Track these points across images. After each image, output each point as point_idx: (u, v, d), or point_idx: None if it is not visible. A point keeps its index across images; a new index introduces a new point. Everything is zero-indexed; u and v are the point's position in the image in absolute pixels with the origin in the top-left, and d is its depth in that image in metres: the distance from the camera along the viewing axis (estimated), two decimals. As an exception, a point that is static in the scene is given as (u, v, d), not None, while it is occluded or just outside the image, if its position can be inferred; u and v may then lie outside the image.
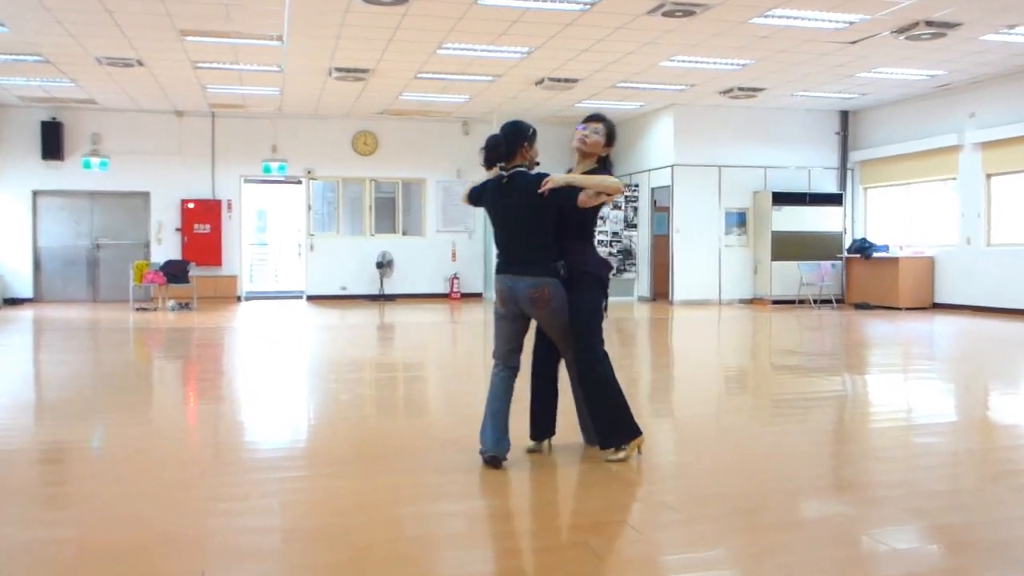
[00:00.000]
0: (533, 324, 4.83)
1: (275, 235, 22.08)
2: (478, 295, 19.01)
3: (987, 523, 3.82)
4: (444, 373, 8.75)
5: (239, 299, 18.10)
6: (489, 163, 4.79)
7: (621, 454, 4.62)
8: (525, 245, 4.68)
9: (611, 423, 4.63)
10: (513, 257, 4.71)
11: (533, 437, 4.90)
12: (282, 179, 18.72)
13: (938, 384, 7.95)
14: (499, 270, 4.79)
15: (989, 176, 14.87)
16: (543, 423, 4.89)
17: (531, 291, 4.60)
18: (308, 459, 5.03)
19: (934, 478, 4.60)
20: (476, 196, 4.98)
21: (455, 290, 18.73)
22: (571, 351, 4.73)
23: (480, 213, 19.02)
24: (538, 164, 4.91)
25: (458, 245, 19.03)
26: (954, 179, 15.49)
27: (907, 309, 15.57)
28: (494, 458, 4.51)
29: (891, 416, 6.15)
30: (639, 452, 4.71)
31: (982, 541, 3.57)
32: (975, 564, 3.29)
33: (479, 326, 13.67)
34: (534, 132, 4.88)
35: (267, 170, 18.23)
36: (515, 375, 4.77)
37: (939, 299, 15.71)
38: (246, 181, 18.42)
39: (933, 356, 10.29)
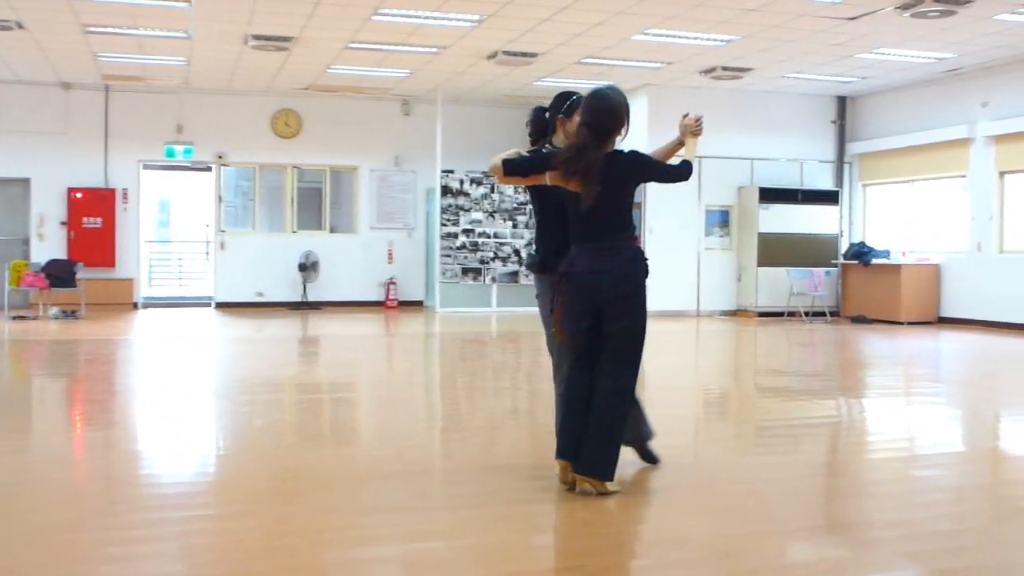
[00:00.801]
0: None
1: (179, 231, 21.87)
2: (418, 303, 18.99)
3: (994, 567, 3.91)
4: (377, 395, 8.74)
5: (135, 306, 17.90)
6: (533, 141, 5.19)
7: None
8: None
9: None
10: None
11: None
12: (188, 165, 18.56)
13: (943, 410, 8.11)
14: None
15: (1002, 174, 15.21)
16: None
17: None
18: (214, 495, 5.00)
19: (936, 516, 4.69)
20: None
21: (391, 297, 18.70)
22: None
23: (421, 208, 19.03)
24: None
25: (396, 245, 19.02)
26: (964, 176, 15.81)
27: (909, 324, 15.85)
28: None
29: (889, 446, 6.26)
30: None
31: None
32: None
33: (419, 340, 13.67)
34: (576, 100, 5.11)
35: (170, 154, 18.05)
36: None
37: (945, 312, 16.02)
38: (145, 167, 18.23)
39: (938, 378, 10.49)
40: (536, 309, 5.60)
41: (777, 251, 17.24)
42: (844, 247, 17.81)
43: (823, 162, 18.12)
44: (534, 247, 5.43)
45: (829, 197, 17.78)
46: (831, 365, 11.39)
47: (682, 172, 5.05)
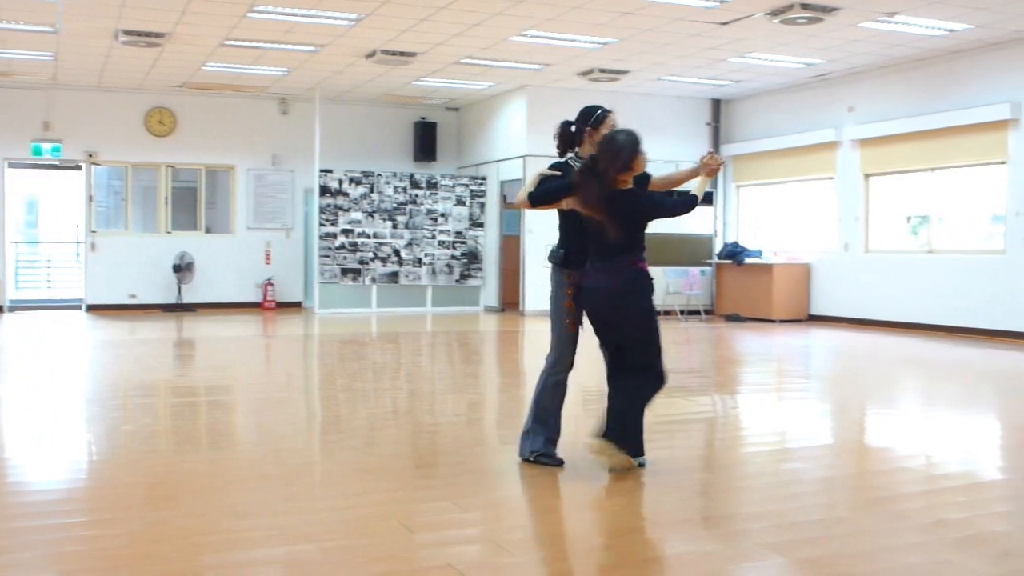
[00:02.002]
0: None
1: (48, 232, 21.13)
2: (297, 304, 18.72)
3: (853, 555, 4.02)
4: (253, 398, 8.56)
5: (1, 309, 17.23)
6: (561, 152, 5.54)
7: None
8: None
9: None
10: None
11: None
12: (57, 163, 17.93)
13: (812, 405, 8.34)
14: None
15: (867, 176, 15.72)
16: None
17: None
18: (82, 503, 4.83)
19: (802, 507, 4.81)
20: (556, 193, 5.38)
21: (269, 298, 18.38)
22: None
23: (299, 208, 18.77)
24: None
25: (274, 245, 18.70)
26: (832, 178, 16.30)
27: (781, 321, 16.27)
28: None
29: (761, 440, 6.40)
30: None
31: (849, 575, 3.76)
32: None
33: (297, 341, 13.47)
34: (600, 115, 5.51)
35: (37, 152, 17.42)
36: None
37: (815, 310, 16.50)
38: (11, 165, 17.55)
39: (808, 374, 10.79)
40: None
41: (653, 251, 17.14)
42: (718, 247, 18.19)
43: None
44: (558, 243, 5.68)
45: (704, 198, 18.07)
46: (706, 363, 11.60)
47: (687, 207, 5.59)
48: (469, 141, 19.44)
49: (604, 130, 5.42)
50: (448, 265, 18.30)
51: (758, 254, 17.25)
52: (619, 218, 5.23)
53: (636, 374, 5.40)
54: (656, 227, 19.04)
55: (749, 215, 18.40)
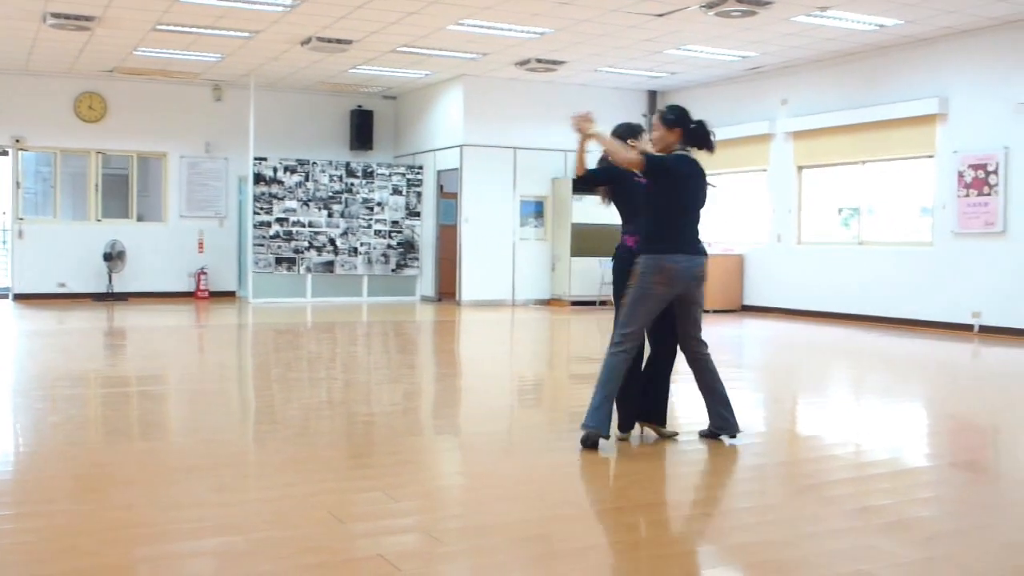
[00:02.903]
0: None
1: (-27, 218, 20.62)
2: (230, 294, 18.50)
3: (782, 542, 4.06)
4: (185, 388, 8.44)
5: (-77, 297, 16.80)
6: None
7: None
8: (698, 227, 5.88)
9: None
10: (691, 237, 5.80)
11: (626, 427, 5.86)
12: (-18, 148, 17.51)
13: (745, 394, 8.41)
14: (669, 250, 5.63)
15: (800, 168, 15.92)
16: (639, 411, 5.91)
17: (702, 269, 5.74)
18: (4, 495, 4.72)
19: (733, 495, 4.87)
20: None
21: (202, 288, 18.14)
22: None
23: (233, 196, 18.53)
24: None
25: (207, 234, 18.45)
26: (765, 170, 16.49)
27: (715, 312, 16.43)
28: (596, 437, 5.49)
29: (693, 430, 6.44)
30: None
31: (776, 561, 3.80)
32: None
33: (231, 331, 13.31)
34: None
35: (-38, 137, 16.99)
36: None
37: (748, 301, 16.69)
38: (-66, 149, 17.12)
39: (740, 364, 10.89)
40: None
41: (590, 241, 17.55)
42: (654, 238, 18.28)
43: (634, 155, 18.54)
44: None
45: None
46: (641, 352, 11.66)
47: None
48: (406, 130, 19.35)
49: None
50: (384, 255, 18.20)
51: (693, 245, 17.35)
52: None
53: (673, 350, 5.94)
54: (592, 217, 19.09)
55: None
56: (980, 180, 13.03)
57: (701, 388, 5.91)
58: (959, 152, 13.30)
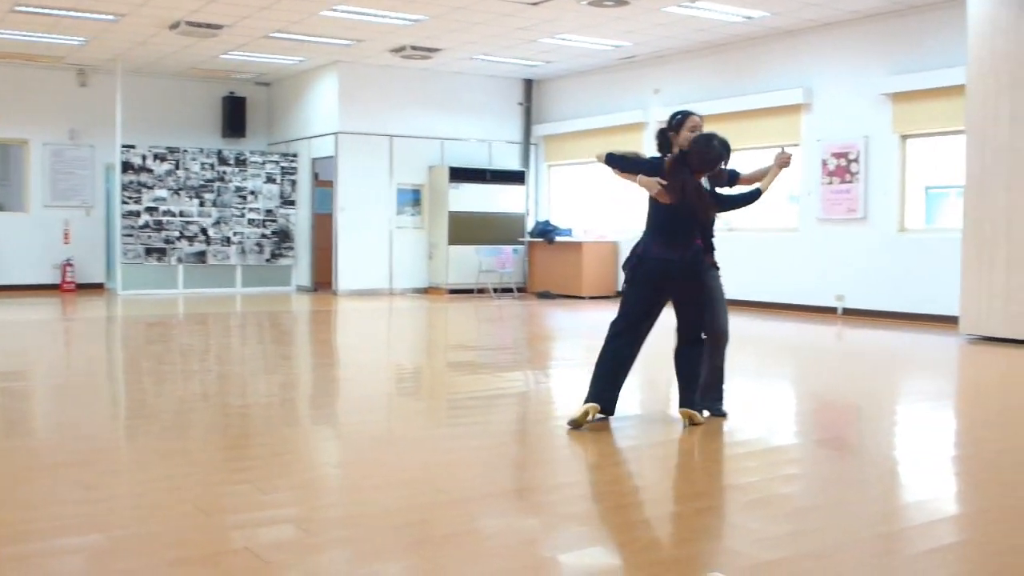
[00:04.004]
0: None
1: None
2: (98, 286, 17.97)
3: (649, 521, 4.17)
4: (50, 384, 8.18)
5: None
6: (662, 152, 6.11)
7: (574, 413, 5.86)
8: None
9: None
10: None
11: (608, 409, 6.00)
12: None
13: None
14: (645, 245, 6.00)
15: (673, 156, 16.22)
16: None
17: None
18: None
19: (604, 479, 4.97)
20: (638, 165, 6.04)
21: (68, 280, 17.57)
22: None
23: (100, 184, 17.99)
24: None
25: (73, 224, 17.87)
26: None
27: (591, 298, 16.66)
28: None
29: (569, 414, 6.53)
30: (591, 417, 5.81)
31: (636, 541, 3.90)
32: (637, 564, 3.57)
33: (99, 324, 12.95)
34: (679, 118, 6.16)
35: None
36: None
37: (622, 287, 16.92)
38: None
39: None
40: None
41: (467, 229, 17.61)
42: (530, 225, 18.45)
43: (511, 143, 18.67)
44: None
45: (516, 177, 18.35)
46: (518, 339, 11.77)
47: (751, 199, 6.12)
48: (280, 117, 19.06)
49: (685, 131, 6.03)
50: (258, 244, 17.92)
51: (568, 232, 17.58)
52: (695, 204, 5.83)
53: (689, 340, 6.09)
54: (469, 205, 19.14)
55: (560, 194, 18.73)
56: (843, 168, 13.50)
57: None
58: (823, 141, 13.76)
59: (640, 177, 5.89)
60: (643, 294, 6.00)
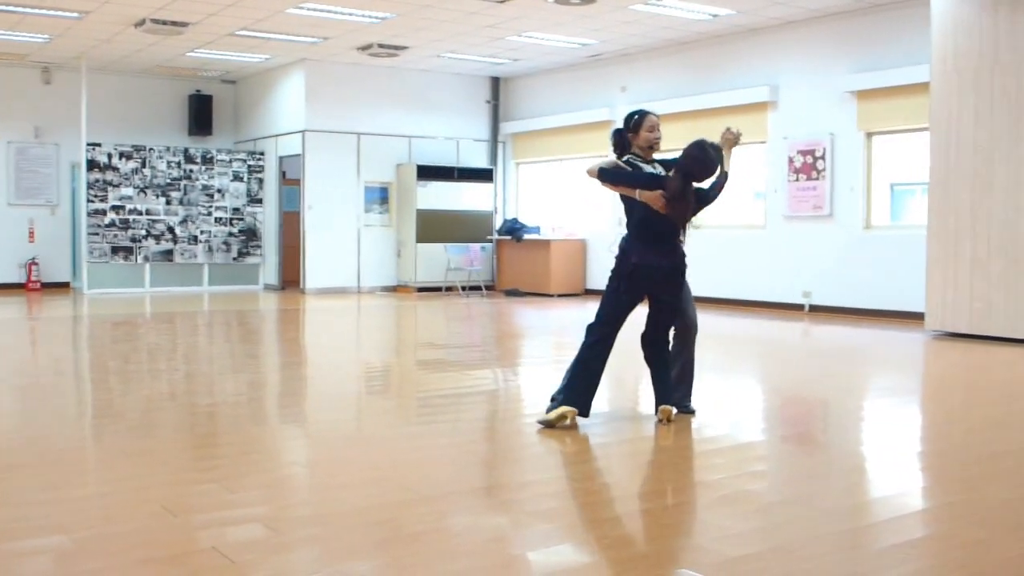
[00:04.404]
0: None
1: None
2: (64, 285, 17.79)
3: (616, 519, 4.18)
4: (15, 384, 8.07)
5: None
6: (619, 155, 6.11)
7: (547, 415, 5.86)
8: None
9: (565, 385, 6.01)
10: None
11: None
12: None
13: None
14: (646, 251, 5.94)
15: (641, 154, 16.26)
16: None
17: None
18: None
19: (571, 476, 4.97)
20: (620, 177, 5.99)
21: (34, 279, 17.38)
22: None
23: (66, 183, 17.81)
24: (654, 148, 6.10)
25: (38, 223, 17.67)
26: (605, 156, 16.71)
27: (559, 296, 16.67)
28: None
29: (538, 412, 6.53)
30: (567, 421, 5.82)
31: (609, 538, 3.90)
32: (607, 560, 3.58)
33: (65, 323, 12.81)
34: (637, 118, 6.10)
35: None
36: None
37: (591, 285, 16.97)
38: None
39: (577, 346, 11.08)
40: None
41: (435, 227, 17.58)
42: (498, 223, 18.44)
43: (478, 141, 18.65)
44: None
45: (484, 175, 18.33)
46: (487, 337, 11.76)
47: (721, 187, 6.12)
48: (246, 115, 18.95)
49: (644, 132, 6.03)
50: (225, 243, 17.81)
51: (536, 230, 17.59)
52: (690, 210, 5.94)
53: (658, 339, 6.16)
54: (437, 203, 19.06)
55: (528, 192, 18.73)
56: (808, 165, 13.58)
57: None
58: (789, 138, 13.83)
59: (642, 192, 5.84)
60: (630, 300, 5.99)
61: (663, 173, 5.95)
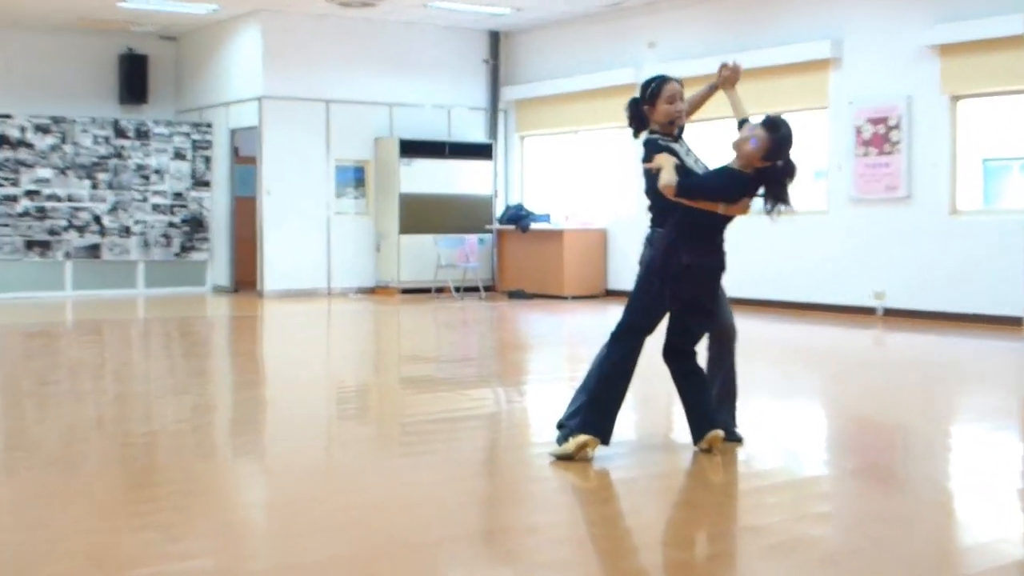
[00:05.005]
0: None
1: None
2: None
3: (648, 571, 4.15)
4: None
5: None
6: (635, 132, 6.19)
7: (563, 447, 5.77)
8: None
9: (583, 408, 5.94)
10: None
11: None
12: None
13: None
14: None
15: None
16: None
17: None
18: None
19: (585, 518, 4.96)
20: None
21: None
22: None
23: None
24: (675, 124, 6.07)
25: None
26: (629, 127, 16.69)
27: (574, 298, 16.63)
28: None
29: (549, 440, 6.51)
30: (590, 453, 5.72)
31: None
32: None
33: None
34: (655, 87, 6.02)
35: None
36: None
37: (613, 284, 16.91)
38: None
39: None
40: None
41: (422, 215, 17.55)
42: (499, 210, 18.43)
43: (474, 109, 18.64)
44: None
45: (482, 151, 18.31)
46: (486, 349, 11.75)
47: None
48: (190, 79, 18.94)
49: (662, 104, 5.97)
50: (165, 235, 17.80)
51: (546, 218, 17.55)
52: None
53: (688, 352, 6.14)
54: (424, 186, 19.02)
55: (536, 172, 18.71)
56: (880, 137, 13.54)
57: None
58: (855, 104, 13.78)
59: (728, 208, 5.84)
60: (669, 307, 5.98)
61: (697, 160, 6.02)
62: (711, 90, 6.51)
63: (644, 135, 6.10)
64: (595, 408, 5.87)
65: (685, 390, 6.07)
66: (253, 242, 17.49)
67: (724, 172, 5.89)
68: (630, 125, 6.22)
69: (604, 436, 5.82)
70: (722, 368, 6.27)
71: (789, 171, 5.85)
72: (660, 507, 5.25)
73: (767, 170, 5.80)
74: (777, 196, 5.84)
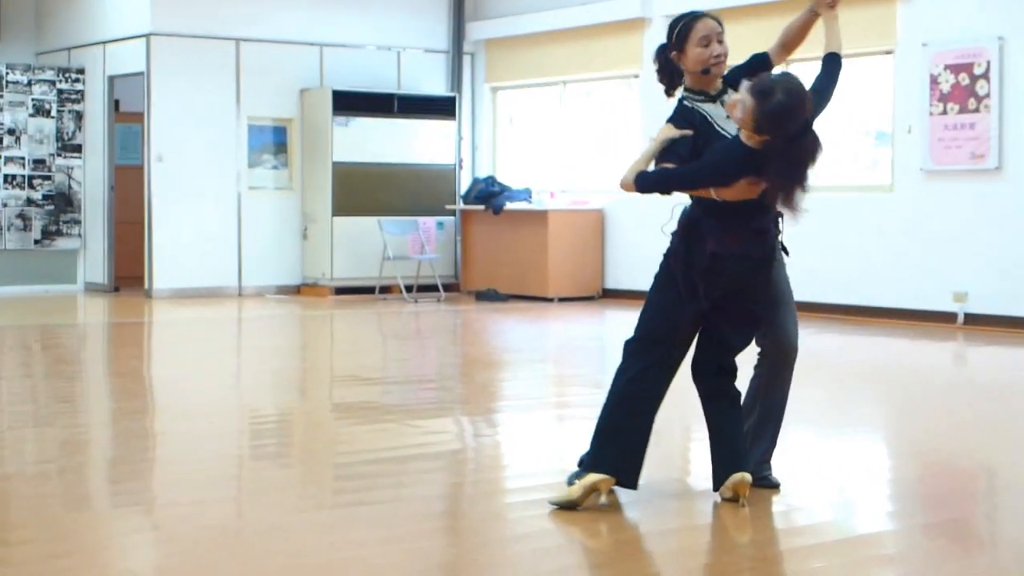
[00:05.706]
0: None
1: None
2: None
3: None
4: None
5: None
6: (668, 89, 6.21)
7: (566, 492, 5.78)
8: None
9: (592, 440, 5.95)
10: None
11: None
12: None
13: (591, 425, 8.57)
14: None
15: (695, 72, 16.26)
16: None
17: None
18: None
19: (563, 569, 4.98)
20: None
21: None
22: None
23: None
24: (712, 72, 6.02)
25: None
26: (637, 76, 16.74)
27: (562, 301, 16.62)
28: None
29: (526, 483, 6.52)
30: (601, 498, 5.79)
31: None
32: None
33: None
34: (683, 27, 5.99)
35: None
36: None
37: (612, 283, 16.91)
38: None
39: (599, 382, 11.04)
40: None
41: (363, 192, 17.53)
42: (464, 185, 18.41)
43: (431, 52, 18.65)
44: None
45: (442, 106, 18.31)
46: (446, 367, 11.76)
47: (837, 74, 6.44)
48: (55, 12, 18.88)
49: (693, 47, 5.93)
50: (21, 216, 17.76)
51: (525, 196, 17.52)
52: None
53: (733, 367, 6.18)
54: (366, 153, 19.01)
55: (511, 135, 18.71)
56: (963, 89, 13.58)
57: None
58: (930, 46, 13.84)
59: (720, 191, 5.84)
60: (698, 308, 5.93)
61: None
62: (810, 15, 6.38)
63: (680, 92, 6.07)
64: (607, 438, 5.86)
65: (712, 418, 6.04)
66: (140, 226, 17.45)
67: (720, 148, 5.87)
68: (660, 81, 6.19)
69: (621, 475, 5.78)
70: (770, 393, 6.25)
71: (804, 149, 5.72)
72: (679, 573, 5.25)
73: (770, 146, 5.66)
74: (779, 184, 5.73)
